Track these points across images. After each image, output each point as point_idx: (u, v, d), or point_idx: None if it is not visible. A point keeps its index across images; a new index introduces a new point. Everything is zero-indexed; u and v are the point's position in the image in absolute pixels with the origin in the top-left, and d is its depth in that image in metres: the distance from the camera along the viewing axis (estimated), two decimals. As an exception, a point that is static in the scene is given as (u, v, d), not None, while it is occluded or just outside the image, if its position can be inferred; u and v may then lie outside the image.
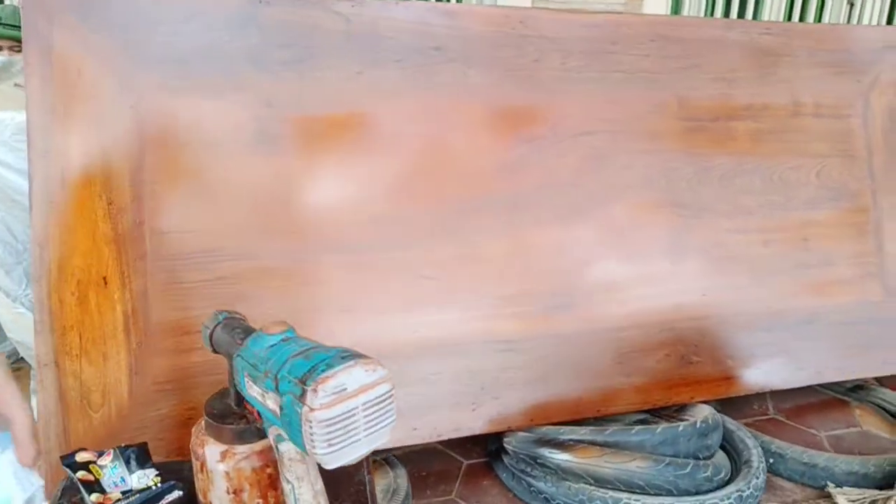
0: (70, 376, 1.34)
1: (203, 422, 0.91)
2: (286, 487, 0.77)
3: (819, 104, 2.06)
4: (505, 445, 1.54)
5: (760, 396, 2.02)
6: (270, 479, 0.88)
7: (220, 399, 0.92)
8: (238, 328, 0.88)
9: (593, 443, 1.45)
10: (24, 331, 1.65)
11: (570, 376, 1.71)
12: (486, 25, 1.69)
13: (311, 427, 0.65)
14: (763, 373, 1.91)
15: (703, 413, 1.57)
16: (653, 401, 1.77)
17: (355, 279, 1.57)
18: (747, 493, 1.36)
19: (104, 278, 1.37)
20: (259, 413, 0.80)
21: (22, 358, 2.09)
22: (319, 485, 0.78)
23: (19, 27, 2.46)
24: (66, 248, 1.35)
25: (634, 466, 1.35)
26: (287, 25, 1.52)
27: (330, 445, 0.66)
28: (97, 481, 0.97)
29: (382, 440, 0.72)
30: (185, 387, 1.41)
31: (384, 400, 0.71)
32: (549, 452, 1.44)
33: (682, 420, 1.57)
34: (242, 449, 0.87)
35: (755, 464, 1.45)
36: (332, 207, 1.55)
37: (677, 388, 1.80)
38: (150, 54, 1.42)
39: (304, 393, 0.66)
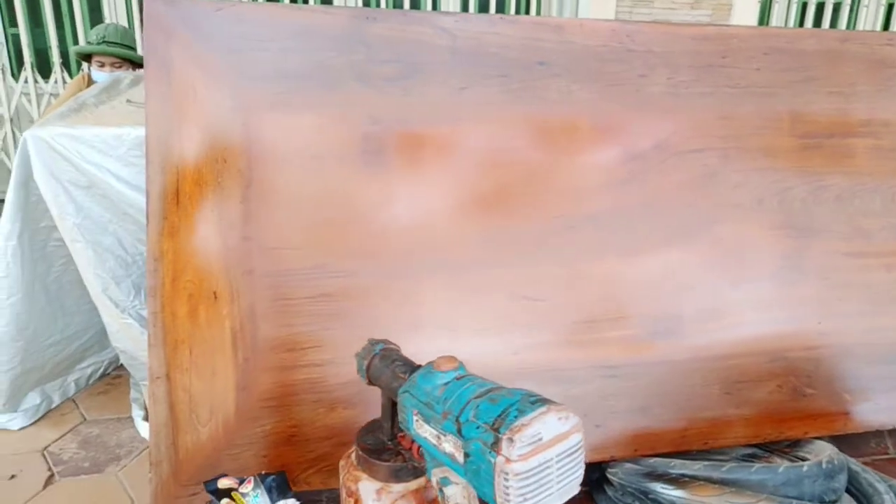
0: (180, 390, 1.35)
1: (354, 455, 0.88)
2: (452, 532, 0.73)
3: (945, 120, 1.91)
4: (609, 476, 1.47)
5: (878, 434, 1.87)
6: (424, 520, 0.85)
7: (371, 433, 0.90)
8: (398, 361, 0.85)
9: (708, 479, 1.36)
10: (129, 340, 1.70)
11: (675, 406, 1.62)
12: (591, 40, 1.64)
13: (506, 479, 0.61)
14: (883, 409, 1.77)
15: (826, 451, 1.45)
16: (763, 434, 1.66)
17: (455, 297, 1.54)
18: (885, 543, 1.25)
19: (214, 293, 1.39)
20: (423, 453, 0.77)
21: (121, 365, 2.16)
22: (482, 529, 0.74)
23: (123, 45, 2.57)
24: (179, 263, 1.37)
25: (759, 509, 1.25)
26: (392, 41, 1.52)
27: (524, 499, 0.62)
28: (242, 509, 0.96)
29: (573, 493, 0.67)
30: (288, 404, 1.41)
31: (577, 451, 0.66)
32: (662, 488, 1.36)
33: (802, 458, 1.46)
34: (398, 488, 0.84)
35: (889, 510, 1.33)
36: (433, 224, 1.53)
37: (790, 421, 1.69)
38: (260, 71, 1.44)
39: (497, 441, 0.62)
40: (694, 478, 1.37)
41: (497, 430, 0.63)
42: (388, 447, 0.86)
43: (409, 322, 1.51)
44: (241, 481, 1.00)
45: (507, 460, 0.61)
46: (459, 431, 0.67)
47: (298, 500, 0.99)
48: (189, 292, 1.37)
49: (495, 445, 0.62)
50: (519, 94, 1.59)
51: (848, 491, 1.46)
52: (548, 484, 0.63)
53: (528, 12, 4.57)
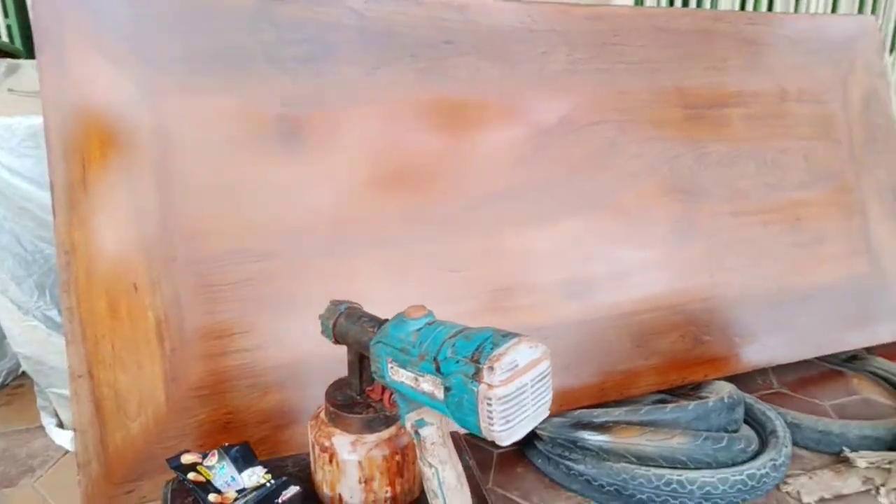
0: (105, 386, 1.30)
1: (324, 413, 0.90)
2: (428, 472, 0.77)
3: (802, 90, 2.16)
4: (538, 432, 1.56)
5: (763, 371, 2.09)
6: (398, 467, 0.88)
7: (338, 390, 0.92)
8: (364, 317, 0.87)
9: (629, 423, 1.48)
10: (34, 344, 1.60)
11: (593, 362, 1.74)
12: (496, 19, 1.71)
13: (489, 405, 0.66)
14: (767, 348, 1.98)
15: (726, 389, 1.62)
16: (671, 381, 1.82)
17: (378, 272, 1.56)
18: (780, 461, 1.42)
19: (134, 284, 1.34)
20: (395, 401, 0.80)
21: (22, 374, 2.01)
22: (460, 467, 0.79)
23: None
24: (93, 255, 1.31)
25: (675, 443, 1.38)
26: (301, 22, 1.52)
27: (507, 422, 0.67)
28: (208, 482, 0.95)
29: (543, 416, 0.73)
30: (221, 391, 1.38)
31: (546, 376, 0.72)
32: (589, 435, 1.46)
33: (706, 398, 1.62)
34: (372, 438, 0.86)
35: (781, 434, 1.51)
36: (353, 203, 1.55)
37: (692, 367, 1.86)
38: (167, 54, 1.40)
39: (478, 371, 0.67)
40: (616, 423, 1.49)
41: (477, 362, 0.67)
42: (358, 402, 0.88)
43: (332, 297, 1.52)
44: (205, 455, 0.99)
45: (490, 386, 0.66)
46: (438, 369, 0.71)
47: (265, 467, 0.99)
48: (106, 285, 1.31)
49: (476, 375, 0.67)
50: (428, 73, 1.64)
51: (745, 421, 1.64)
52: (524, 407, 0.69)
53: None
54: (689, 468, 1.38)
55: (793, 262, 2.06)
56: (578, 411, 1.59)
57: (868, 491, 1.54)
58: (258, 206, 1.45)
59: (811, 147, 2.15)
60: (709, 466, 1.38)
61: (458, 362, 0.70)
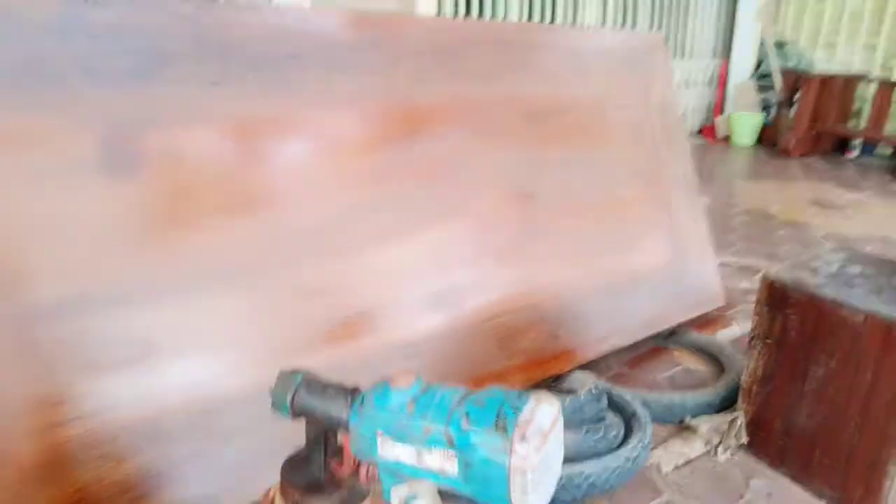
0: None
1: (280, 499, 0.77)
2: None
3: (617, 98, 2.38)
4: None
5: (605, 357, 2.28)
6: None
7: (296, 470, 0.79)
8: (329, 387, 0.76)
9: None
10: None
11: (464, 368, 1.76)
12: (340, 31, 1.65)
13: (523, 476, 0.60)
14: (611, 334, 2.16)
15: (589, 380, 1.73)
16: (535, 377, 1.90)
17: (234, 305, 1.43)
18: (646, 440, 1.55)
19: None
20: (381, 475, 0.71)
21: None
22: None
23: None
24: None
25: (558, 439, 1.44)
26: (124, 30, 1.33)
27: (540, 487, 0.62)
28: None
29: (559, 474, 0.70)
30: (63, 468, 1.17)
31: (561, 431, 0.69)
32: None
33: (569, 391, 1.71)
34: None
35: (642, 415, 1.65)
36: (199, 232, 1.39)
37: (550, 361, 1.96)
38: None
39: (508, 442, 0.62)
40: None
41: (504, 431, 0.63)
42: (326, 480, 0.78)
43: (189, 339, 1.36)
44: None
45: (523, 457, 0.61)
46: (452, 443, 0.65)
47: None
48: None
49: (506, 446, 0.62)
50: (272, 88, 1.53)
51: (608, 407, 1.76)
52: (552, 467, 0.66)
53: None
54: (575, 461, 1.45)
55: (622, 253, 2.27)
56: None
57: (708, 452, 1.75)
58: (90, 243, 1.25)
59: (626, 149, 2.38)
60: (595, 456, 1.47)
61: (477, 433, 0.64)
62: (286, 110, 1.54)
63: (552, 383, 1.93)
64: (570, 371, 1.96)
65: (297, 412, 0.77)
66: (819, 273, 1.66)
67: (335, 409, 0.74)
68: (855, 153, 6.07)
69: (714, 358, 2.25)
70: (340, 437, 0.78)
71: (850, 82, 5.87)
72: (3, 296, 1.13)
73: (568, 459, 1.46)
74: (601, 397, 1.63)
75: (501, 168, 1.97)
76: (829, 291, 1.55)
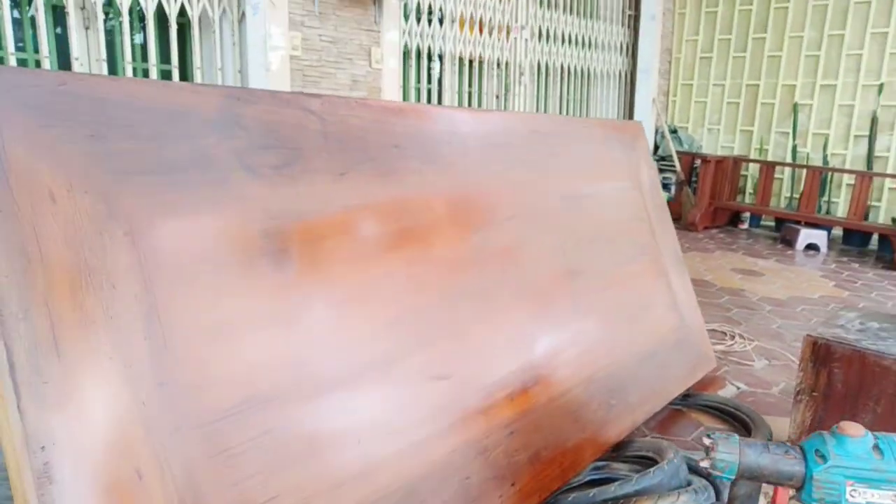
0: None
1: None
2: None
3: (621, 179, 2.62)
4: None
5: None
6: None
7: None
8: (772, 446, 0.80)
9: (638, 494, 1.57)
10: None
11: (552, 443, 1.80)
12: (427, 123, 1.74)
13: None
14: (646, 399, 2.29)
15: (663, 445, 1.83)
16: (603, 448, 1.98)
17: (387, 394, 1.41)
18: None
19: (137, 471, 0.99)
20: None
21: None
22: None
23: None
24: (75, 441, 0.93)
25: (681, 502, 1.52)
26: (269, 125, 1.35)
27: None
28: None
29: None
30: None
31: None
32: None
33: (646, 458, 1.80)
34: None
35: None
36: (351, 321, 1.39)
37: (611, 432, 2.05)
38: (135, 165, 1.11)
39: None
40: (629, 496, 1.57)
41: None
42: None
43: (352, 433, 1.32)
44: None
45: None
46: None
47: None
48: (101, 481, 0.94)
49: None
50: (385, 176, 1.58)
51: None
52: None
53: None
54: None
55: (642, 322, 2.44)
56: (572, 495, 1.63)
57: (771, 503, 1.89)
58: (260, 340, 1.21)
59: (631, 226, 2.61)
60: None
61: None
62: (396, 196, 1.59)
63: (614, 453, 2.01)
64: (627, 439, 2.06)
65: (744, 473, 0.81)
66: (849, 330, 1.91)
67: (786, 464, 0.80)
68: (745, 224, 6.86)
69: (732, 416, 2.44)
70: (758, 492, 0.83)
71: (738, 163, 6.71)
72: (197, 404, 1.07)
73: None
74: (684, 462, 1.73)
75: (548, 248, 2.10)
76: (869, 344, 1.79)
